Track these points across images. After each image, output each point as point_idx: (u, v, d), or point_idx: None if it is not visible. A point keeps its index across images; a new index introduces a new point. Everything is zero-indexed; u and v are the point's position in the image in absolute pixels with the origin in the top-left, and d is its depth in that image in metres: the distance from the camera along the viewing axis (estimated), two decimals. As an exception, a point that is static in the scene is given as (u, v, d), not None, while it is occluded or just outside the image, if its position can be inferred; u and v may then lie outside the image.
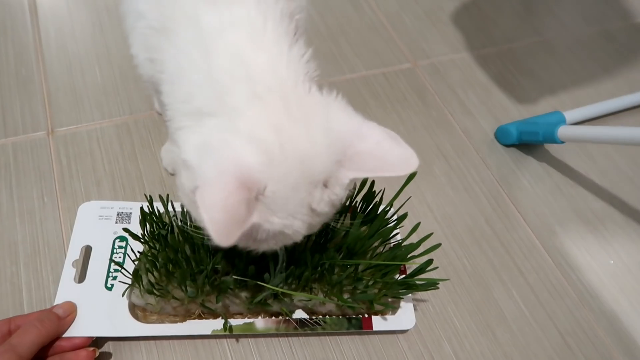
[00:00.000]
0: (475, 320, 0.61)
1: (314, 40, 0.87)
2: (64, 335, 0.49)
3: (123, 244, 0.56)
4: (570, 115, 0.77)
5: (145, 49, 0.45)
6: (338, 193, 0.38)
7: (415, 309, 0.58)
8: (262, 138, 0.35)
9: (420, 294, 0.61)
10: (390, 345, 0.57)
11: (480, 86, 0.85)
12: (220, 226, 0.32)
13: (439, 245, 0.53)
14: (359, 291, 0.53)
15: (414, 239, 0.55)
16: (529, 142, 0.76)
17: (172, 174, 0.66)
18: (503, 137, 0.77)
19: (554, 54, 0.93)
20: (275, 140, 0.35)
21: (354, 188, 0.55)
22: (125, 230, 0.52)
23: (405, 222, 0.56)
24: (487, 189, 0.73)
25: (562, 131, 0.69)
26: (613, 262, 0.68)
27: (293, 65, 0.39)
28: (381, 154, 0.38)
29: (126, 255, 0.55)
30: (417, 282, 0.53)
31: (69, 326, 0.49)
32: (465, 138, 0.78)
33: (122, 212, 0.58)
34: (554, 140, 0.70)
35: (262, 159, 0.35)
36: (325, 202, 0.38)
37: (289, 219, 0.37)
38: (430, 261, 0.52)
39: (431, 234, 0.55)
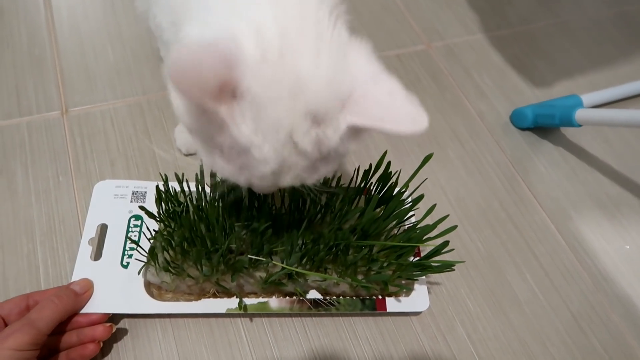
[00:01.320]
0: (489, 303, 0.61)
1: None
2: (81, 312, 0.49)
3: (138, 222, 0.56)
4: (588, 98, 0.76)
5: None
6: (329, 136, 0.34)
7: (428, 292, 0.58)
8: (265, 34, 0.32)
9: (434, 277, 0.61)
10: (404, 326, 0.57)
11: (495, 68, 0.84)
12: (182, 71, 0.29)
13: (455, 227, 0.53)
14: (373, 272, 0.53)
15: (428, 221, 0.54)
16: (544, 126, 0.75)
17: (186, 155, 0.66)
18: (518, 120, 0.76)
19: (571, 36, 0.91)
20: (277, 42, 0.32)
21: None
22: (142, 208, 0.52)
23: (419, 205, 0.55)
24: (502, 173, 0.72)
25: (580, 114, 0.68)
26: (629, 247, 0.68)
27: None
28: (389, 104, 0.34)
29: (141, 234, 0.55)
30: (433, 264, 0.53)
31: (86, 303, 0.50)
32: (480, 121, 0.77)
33: (137, 191, 0.58)
34: (571, 123, 0.69)
35: (255, 54, 0.31)
36: (311, 138, 0.34)
37: (259, 136, 0.33)
38: (446, 243, 0.52)
39: (447, 215, 0.55)
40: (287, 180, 0.37)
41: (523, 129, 0.77)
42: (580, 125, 0.69)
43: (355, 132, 0.35)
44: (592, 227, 0.69)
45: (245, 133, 0.33)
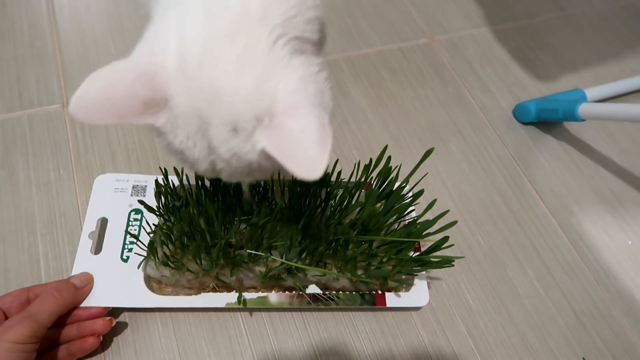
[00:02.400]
0: (489, 298, 0.60)
1: (330, 14, 0.85)
2: (81, 305, 0.50)
3: (138, 216, 0.56)
4: (592, 92, 0.75)
5: None
6: (245, 149, 0.35)
7: (428, 287, 0.58)
8: (187, 45, 0.34)
9: (434, 272, 0.61)
10: (404, 321, 0.57)
11: (498, 62, 0.83)
12: (84, 101, 0.32)
13: (455, 222, 0.53)
14: (373, 267, 0.53)
15: (429, 216, 0.54)
16: (548, 120, 0.75)
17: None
18: (521, 115, 0.76)
19: (576, 30, 0.90)
20: (197, 54, 0.33)
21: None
22: (141, 202, 0.52)
23: (420, 199, 0.55)
24: (504, 167, 0.71)
25: (583, 108, 0.68)
26: (631, 242, 0.67)
27: (271, 8, 0.35)
28: (298, 142, 0.33)
29: (141, 228, 0.55)
30: (432, 259, 0.53)
31: (86, 296, 0.50)
32: (483, 115, 0.77)
33: (138, 185, 0.58)
34: (574, 117, 0.69)
35: (176, 65, 0.33)
36: (228, 148, 0.35)
37: (190, 142, 0.35)
38: (446, 238, 0.52)
39: (447, 211, 0.54)
40: (228, 178, 0.39)
41: (526, 124, 0.76)
42: (583, 120, 0.69)
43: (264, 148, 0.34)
44: (594, 222, 0.68)
45: (178, 139, 0.36)
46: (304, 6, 0.38)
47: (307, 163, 0.32)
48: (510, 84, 0.81)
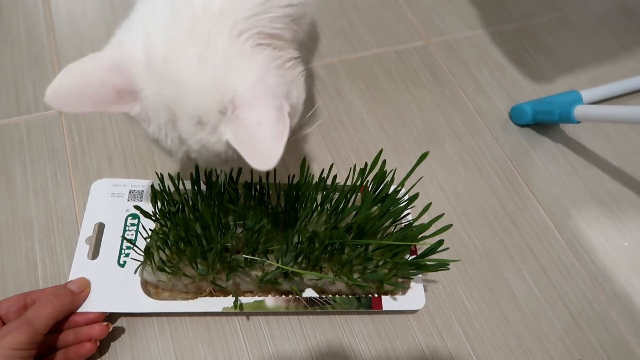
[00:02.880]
0: (486, 301, 0.61)
1: (326, 16, 0.85)
2: (78, 311, 0.50)
3: (135, 221, 0.56)
4: (587, 94, 0.75)
5: None
6: (212, 141, 0.37)
7: (425, 289, 0.58)
8: (152, 41, 0.35)
9: (431, 274, 0.61)
10: (400, 324, 0.58)
11: (495, 64, 0.84)
12: (60, 90, 0.33)
13: (450, 225, 0.53)
14: (369, 271, 0.53)
15: (425, 219, 0.54)
16: (544, 122, 0.75)
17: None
18: (517, 117, 0.76)
19: (573, 31, 0.90)
20: (162, 50, 0.35)
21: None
22: (137, 207, 0.52)
23: (416, 202, 0.55)
24: (500, 169, 0.72)
25: (579, 110, 0.68)
26: (627, 244, 0.67)
27: (235, 5, 0.36)
28: (255, 134, 0.34)
29: (138, 233, 0.56)
30: (428, 262, 0.53)
31: (83, 301, 0.50)
32: (479, 117, 0.77)
33: (134, 190, 0.58)
34: (570, 119, 0.69)
35: (143, 59, 0.35)
36: (196, 140, 0.37)
37: (162, 132, 0.37)
38: (441, 242, 0.52)
39: (442, 214, 0.54)
40: (205, 165, 0.41)
41: (522, 126, 0.77)
42: (579, 122, 0.69)
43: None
44: (590, 224, 0.68)
45: (150, 128, 0.38)
46: (275, 4, 0.39)
47: (261, 154, 0.33)
48: (507, 85, 0.81)
